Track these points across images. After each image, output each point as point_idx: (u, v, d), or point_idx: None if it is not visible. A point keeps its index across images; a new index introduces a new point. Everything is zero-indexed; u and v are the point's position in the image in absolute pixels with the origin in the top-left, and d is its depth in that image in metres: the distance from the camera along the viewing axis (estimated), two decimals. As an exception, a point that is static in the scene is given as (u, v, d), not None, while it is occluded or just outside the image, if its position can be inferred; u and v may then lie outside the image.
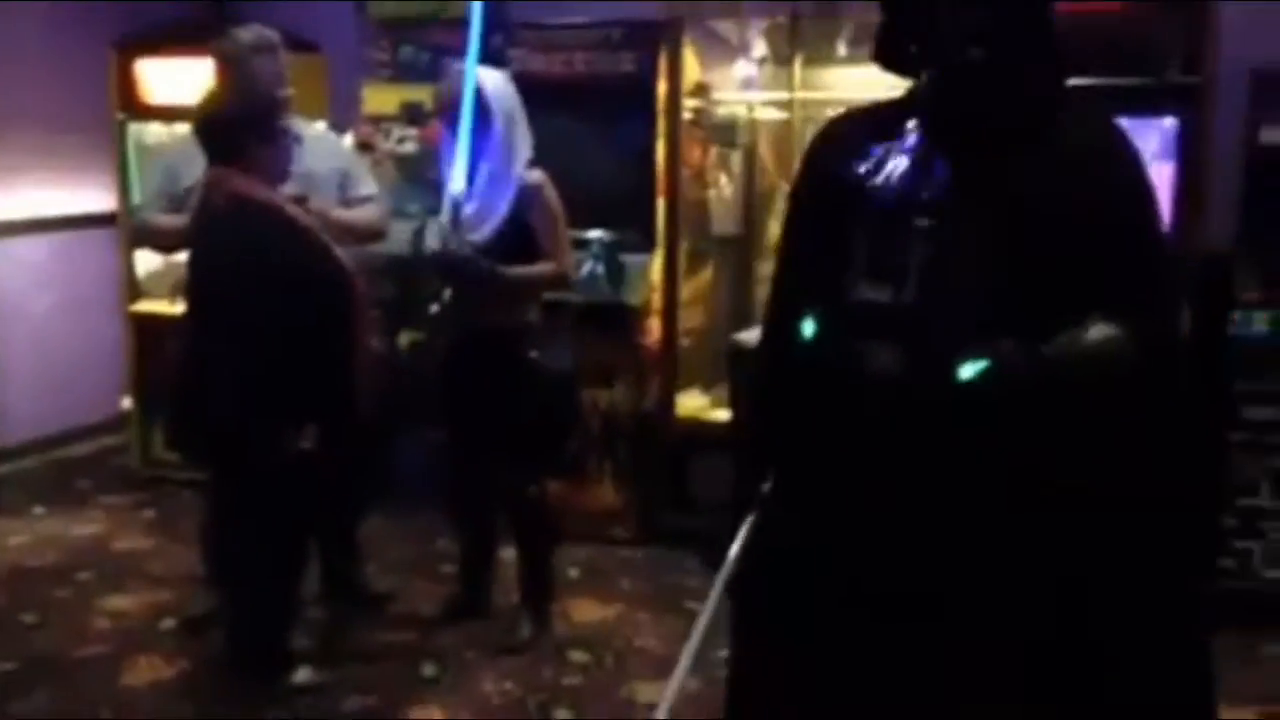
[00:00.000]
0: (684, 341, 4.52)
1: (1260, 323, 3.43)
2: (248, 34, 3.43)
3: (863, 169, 1.73)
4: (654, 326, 4.39)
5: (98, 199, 5.26)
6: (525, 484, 3.56)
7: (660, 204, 4.31)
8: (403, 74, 4.83)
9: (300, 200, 3.23)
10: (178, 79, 4.71)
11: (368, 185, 3.70)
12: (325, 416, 2.82)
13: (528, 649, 3.47)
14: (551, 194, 3.40)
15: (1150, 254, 1.71)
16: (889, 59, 1.79)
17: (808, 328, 1.72)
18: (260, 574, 2.99)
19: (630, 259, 4.30)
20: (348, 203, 3.57)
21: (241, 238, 2.80)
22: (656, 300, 4.36)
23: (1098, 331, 1.59)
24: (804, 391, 1.75)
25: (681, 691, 1.82)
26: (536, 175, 3.39)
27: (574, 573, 4.08)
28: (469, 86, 3.25)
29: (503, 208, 3.34)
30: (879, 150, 1.73)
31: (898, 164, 1.71)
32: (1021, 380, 1.59)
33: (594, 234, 4.28)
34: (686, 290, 4.51)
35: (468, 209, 3.36)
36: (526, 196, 3.35)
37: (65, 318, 5.32)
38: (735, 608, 1.85)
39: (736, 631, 1.88)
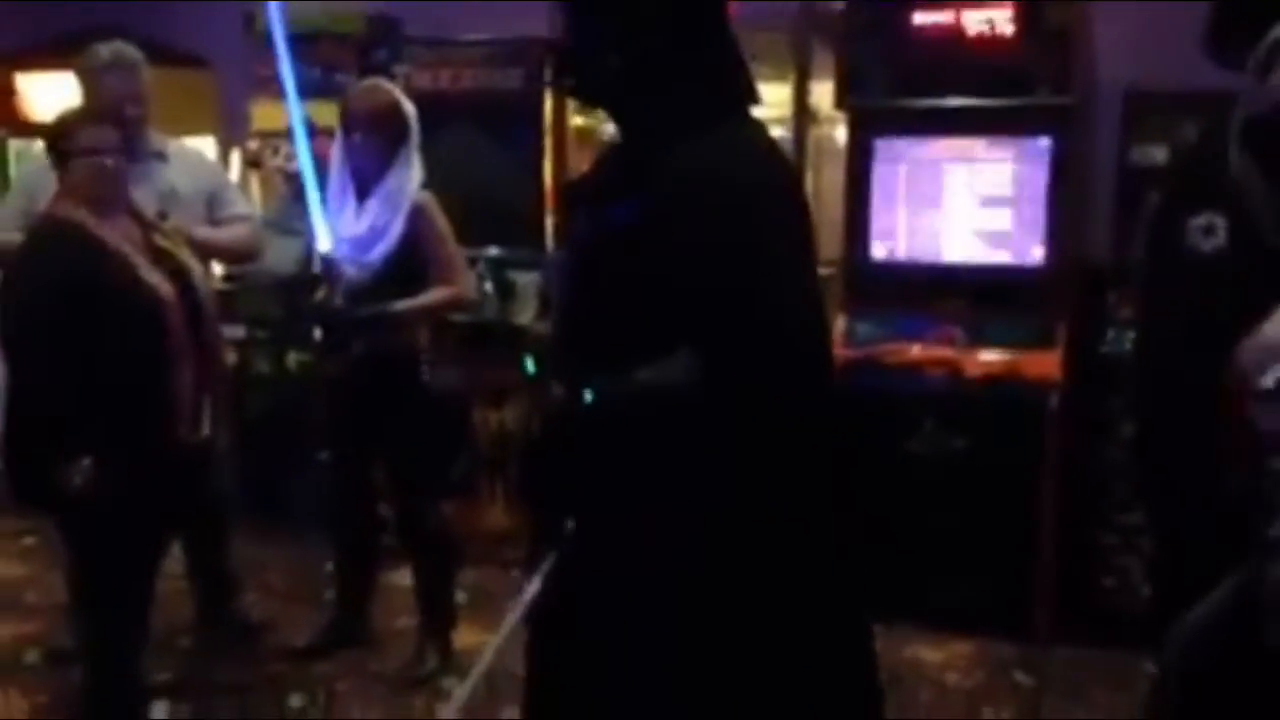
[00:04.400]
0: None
1: (1130, 341, 3.45)
2: (105, 50, 3.35)
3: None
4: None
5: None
6: (425, 509, 3.50)
7: (550, 221, 4.28)
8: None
9: (161, 218, 3.15)
10: (62, 93, 4.60)
11: (239, 205, 3.63)
12: (126, 446, 2.70)
13: (431, 680, 3.39)
14: (438, 215, 3.36)
15: (732, 295, 1.63)
16: None
17: (530, 365, 1.83)
18: (103, 606, 2.90)
19: (520, 277, 4.27)
20: (217, 222, 3.49)
21: (35, 261, 2.73)
22: (548, 319, 4.33)
23: (669, 367, 1.61)
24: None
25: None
26: (425, 196, 3.35)
27: (461, 597, 4.00)
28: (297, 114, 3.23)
29: (395, 230, 3.29)
30: None
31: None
32: (614, 412, 1.66)
33: (482, 252, 4.25)
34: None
35: (360, 226, 3.32)
36: (416, 218, 3.30)
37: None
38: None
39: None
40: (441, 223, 3.35)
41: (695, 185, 1.65)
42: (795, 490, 1.72)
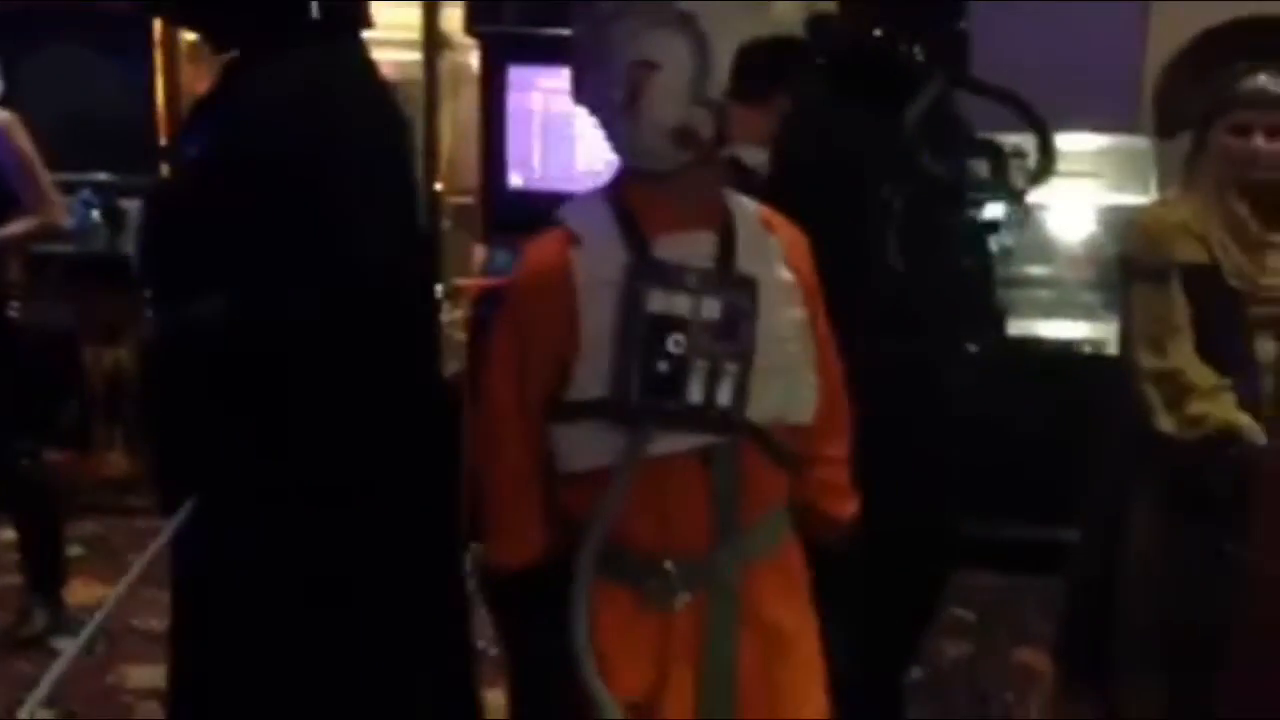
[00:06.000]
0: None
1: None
2: None
3: None
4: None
5: None
6: (18, 457, 3.21)
7: (164, 143, 4.01)
8: None
9: None
10: None
11: None
12: None
13: (39, 640, 3.14)
14: (23, 136, 3.08)
15: (269, 231, 1.57)
16: None
17: None
18: None
19: (131, 205, 3.97)
20: None
21: None
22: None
23: (207, 305, 1.57)
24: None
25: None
26: (4, 116, 3.06)
27: (76, 550, 3.73)
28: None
29: None
30: None
31: None
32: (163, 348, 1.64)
33: (88, 177, 3.92)
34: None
35: None
36: None
37: None
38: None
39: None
40: (25, 145, 3.09)
41: (254, 114, 1.57)
42: (344, 436, 1.65)
